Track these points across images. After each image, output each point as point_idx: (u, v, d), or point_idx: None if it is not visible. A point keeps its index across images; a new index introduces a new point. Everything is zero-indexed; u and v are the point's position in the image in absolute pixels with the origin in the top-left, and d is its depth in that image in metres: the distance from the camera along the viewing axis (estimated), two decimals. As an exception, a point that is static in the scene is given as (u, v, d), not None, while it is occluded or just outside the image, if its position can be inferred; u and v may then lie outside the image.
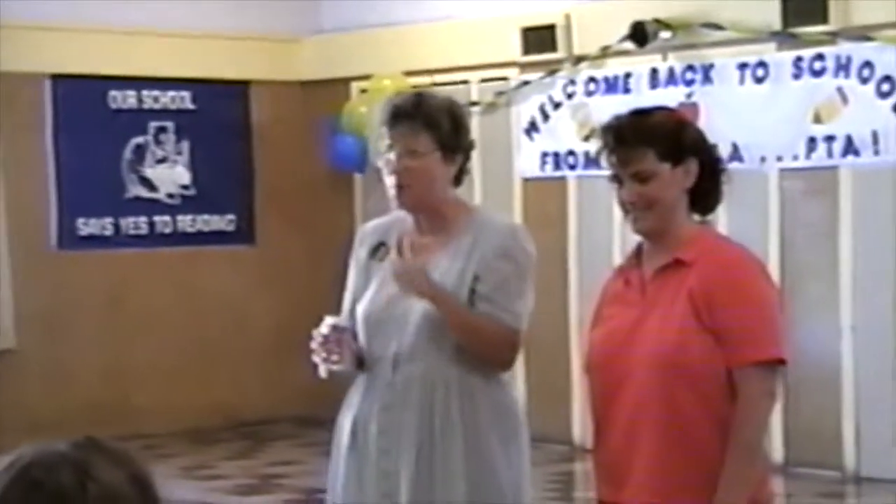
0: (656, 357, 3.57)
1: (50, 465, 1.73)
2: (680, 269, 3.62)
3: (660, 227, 3.67)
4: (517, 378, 10.59)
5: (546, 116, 10.48)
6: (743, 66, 9.44)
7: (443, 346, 4.15)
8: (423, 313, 4.13)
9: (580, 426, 10.26)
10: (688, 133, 3.69)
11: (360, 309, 4.24)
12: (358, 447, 4.23)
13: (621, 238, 10.03)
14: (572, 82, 10.32)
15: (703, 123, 3.83)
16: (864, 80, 8.96)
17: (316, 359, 4.17)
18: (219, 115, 11.59)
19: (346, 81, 11.42)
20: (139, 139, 11.37)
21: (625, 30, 9.84)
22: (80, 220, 11.09)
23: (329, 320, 4.18)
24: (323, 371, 4.20)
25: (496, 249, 4.16)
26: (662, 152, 3.62)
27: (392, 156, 4.18)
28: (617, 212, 11.01)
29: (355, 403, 4.27)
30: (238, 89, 11.67)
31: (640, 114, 3.77)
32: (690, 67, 9.70)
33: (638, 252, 3.76)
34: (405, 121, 4.16)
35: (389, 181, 4.21)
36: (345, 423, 4.28)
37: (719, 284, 3.58)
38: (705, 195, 3.70)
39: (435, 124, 4.15)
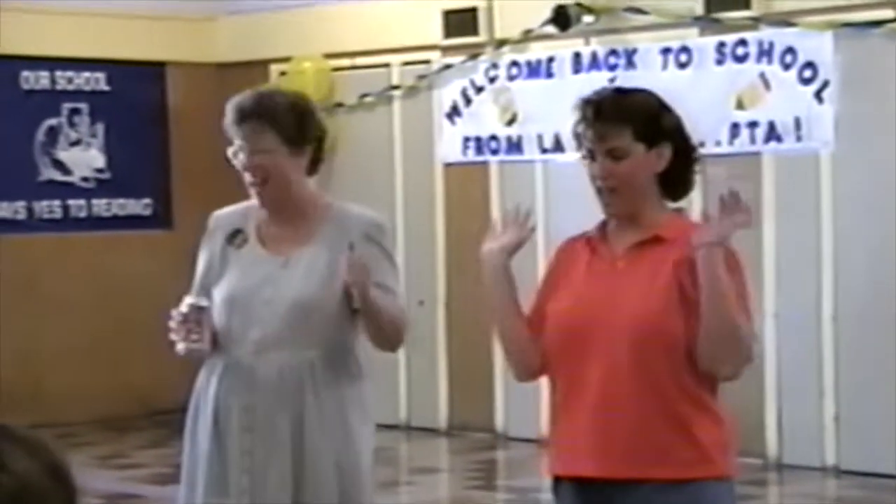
0: (638, 327, 3.56)
1: (-41, 455, 1.62)
2: (660, 244, 3.63)
3: (631, 210, 3.68)
4: (439, 365, 10.54)
5: (468, 101, 10.40)
6: (666, 52, 9.43)
7: (307, 335, 4.24)
8: (293, 301, 4.24)
9: (502, 414, 10.21)
10: (666, 118, 3.69)
11: (222, 292, 4.34)
12: (220, 430, 4.30)
13: (543, 223, 9.99)
14: (494, 66, 10.25)
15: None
16: (787, 66, 8.96)
17: (174, 337, 4.27)
18: (134, 97, 11.41)
19: (264, 63, 11.28)
20: (52, 121, 11.17)
21: (547, 13, 9.79)
22: (-8, 204, 10.90)
23: (189, 300, 4.30)
24: (181, 349, 4.28)
25: (363, 237, 4.28)
26: (639, 132, 3.63)
27: (242, 155, 4.32)
28: (540, 197, 11.09)
29: (212, 394, 4.34)
30: (154, 71, 11.50)
31: (622, 92, 3.83)
32: (613, 52, 9.66)
33: (603, 227, 3.74)
34: (250, 120, 4.28)
35: (246, 179, 4.36)
36: (204, 413, 4.34)
37: None
38: (676, 181, 3.70)
39: (278, 121, 4.26)
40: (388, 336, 4.34)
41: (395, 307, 4.30)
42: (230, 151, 4.36)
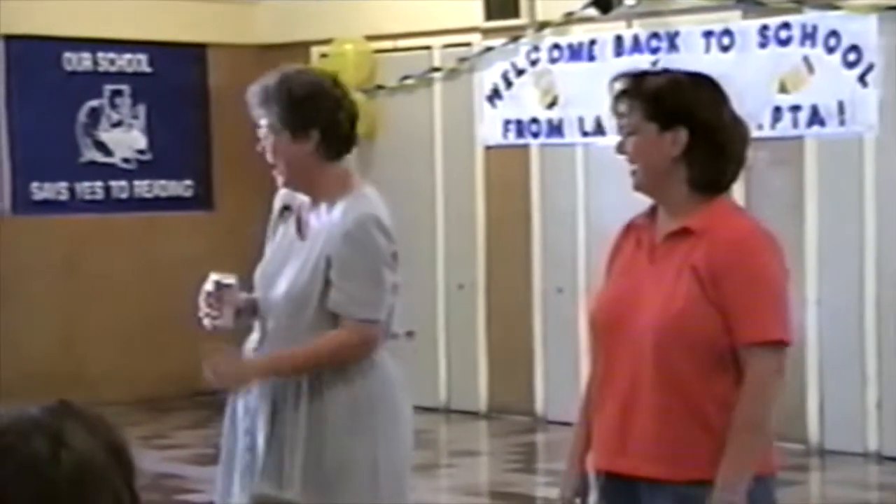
0: (658, 325, 3.51)
1: (23, 432, 1.64)
2: (688, 237, 3.56)
3: (647, 187, 3.63)
4: (479, 348, 10.52)
5: (509, 83, 10.37)
6: (708, 34, 9.37)
7: (297, 323, 4.27)
8: (286, 290, 4.29)
9: (542, 397, 10.20)
10: (678, 100, 3.60)
11: (259, 268, 4.46)
12: (235, 412, 4.44)
13: (584, 206, 9.97)
14: (536, 49, 10.22)
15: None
16: (831, 50, 8.90)
17: (200, 314, 4.36)
18: (176, 79, 11.43)
19: (305, 45, 11.27)
20: (94, 102, 11.19)
21: (589, -4, 9.76)
22: (35, 185, 10.93)
23: (213, 276, 4.38)
24: (207, 325, 4.38)
25: (342, 236, 4.23)
26: (647, 111, 3.58)
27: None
28: (580, 180, 11.00)
29: None
30: (195, 52, 11.51)
31: (653, 73, 3.81)
32: (655, 35, 9.61)
33: (653, 210, 3.69)
34: (259, 103, 4.37)
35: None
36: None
37: (725, 261, 3.51)
38: (700, 169, 3.58)
39: (273, 106, 4.31)
40: (338, 364, 4.26)
41: (335, 339, 4.22)
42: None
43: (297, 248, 4.34)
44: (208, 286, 4.35)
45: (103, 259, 11.07)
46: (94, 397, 10.26)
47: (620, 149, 3.64)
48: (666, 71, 3.84)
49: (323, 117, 4.30)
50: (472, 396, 10.56)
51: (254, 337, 4.41)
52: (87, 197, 11.15)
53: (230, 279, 4.36)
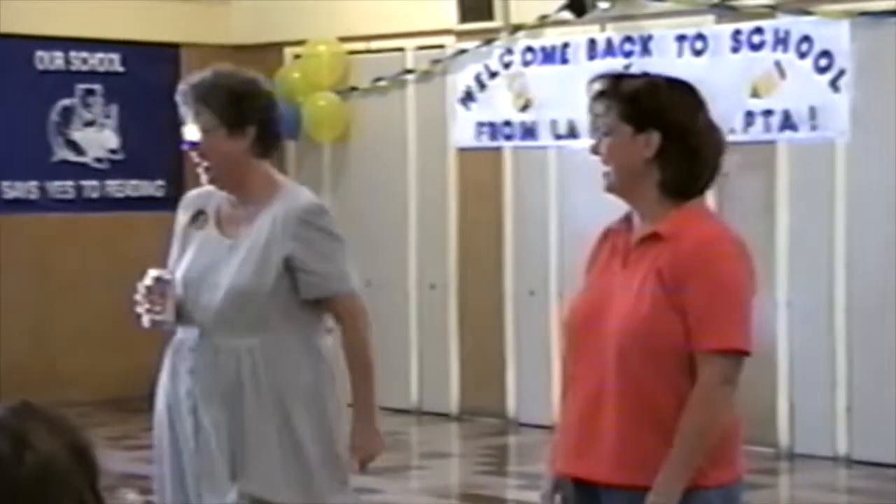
0: (623, 330, 3.50)
1: (-14, 433, 1.62)
2: (657, 242, 3.55)
3: (619, 188, 3.62)
4: (451, 350, 10.53)
5: (482, 86, 10.38)
6: (681, 39, 9.39)
7: (245, 318, 4.28)
8: (228, 288, 4.28)
9: (514, 400, 10.20)
10: (653, 102, 3.59)
11: (178, 273, 4.41)
12: (171, 415, 4.38)
13: (557, 209, 9.98)
14: (509, 52, 10.22)
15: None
16: (803, 55, 8.93)
17: (139, 310, 4.39)
18: (148, 79, 11.38)
19: (279, 46, 11.27)
20: (66, 101, 11.16)
21: (563, -1, 9.77)
22: (6, 184, 10.89)
23: (153, 273, 4.38)
24: (146, 321, 4.40)
25: (297, 225, 4.28)
26: (623, 113, 3.58)
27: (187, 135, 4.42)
28: (553, 183, 11.00)
29: (165, 377, 4.43)
30: (168, 52, 11.47)
31: (630, 75, 3.83)
32: (629, 39, 9.63)
33: (629, 215, 3.68)
34: (188, 101, 4.40)
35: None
36: (160, 397, 4.45)
37: (689, 265, 3.49)
38: (672, 173, 3.56)
39: (210, 102, 4.33)
40: (369, 348, 4.39)
41: (355, 342, 4.33)
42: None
43: (224, 247, 4.34)
44: (148, 282, 4.36)
45: (74, 259, 11.03)
46: (64, 397, 10.21)
47: (595, 149, 3.63)
48: (645, 74, 3.81)
49: (259, 115, 4.35)
50: (444, 398, 10.56)
51: (188, 337, 4.36)
52: (59, 196, 11.11)
53: (168, 275, 4.38)
